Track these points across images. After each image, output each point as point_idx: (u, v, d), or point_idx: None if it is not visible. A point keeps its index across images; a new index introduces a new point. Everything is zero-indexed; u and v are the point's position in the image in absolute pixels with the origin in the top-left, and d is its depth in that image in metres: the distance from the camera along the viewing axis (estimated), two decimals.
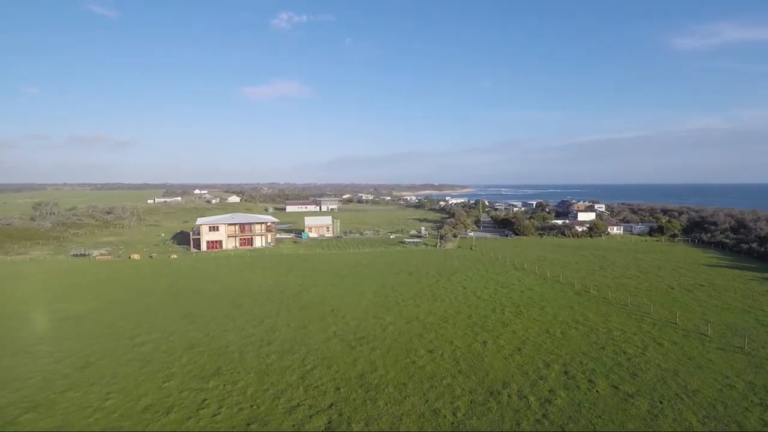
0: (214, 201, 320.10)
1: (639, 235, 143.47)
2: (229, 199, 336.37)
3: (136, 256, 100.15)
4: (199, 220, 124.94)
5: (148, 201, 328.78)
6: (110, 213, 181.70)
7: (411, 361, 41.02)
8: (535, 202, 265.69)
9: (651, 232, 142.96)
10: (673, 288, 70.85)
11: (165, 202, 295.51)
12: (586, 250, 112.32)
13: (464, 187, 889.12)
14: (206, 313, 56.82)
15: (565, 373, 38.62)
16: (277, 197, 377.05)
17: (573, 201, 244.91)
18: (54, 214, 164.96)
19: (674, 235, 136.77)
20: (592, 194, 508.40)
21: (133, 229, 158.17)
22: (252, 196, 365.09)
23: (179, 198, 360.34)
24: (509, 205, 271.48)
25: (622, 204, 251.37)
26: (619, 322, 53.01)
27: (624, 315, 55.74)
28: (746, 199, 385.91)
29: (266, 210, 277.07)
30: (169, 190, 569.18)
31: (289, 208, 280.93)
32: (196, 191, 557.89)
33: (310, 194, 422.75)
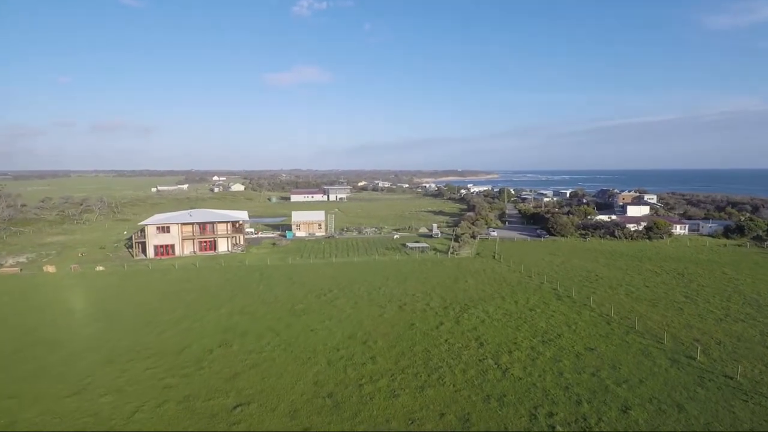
0: (216, 189, 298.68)
1: (711, 236, 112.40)
2: (232, 187, 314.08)
3: (50, 269, 76.65)
4: (155, 217, 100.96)
5: (152, 189, 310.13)
6: (82, 204, 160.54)
7: None
8: (569, 191, 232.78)
9: (726, 233, 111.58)
10: None
11: (158, 191, 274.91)
12: (652, 261, 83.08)
13: (489, 173, 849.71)
14: None
15: None
16: (287, 185, 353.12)
17: (615, 191, 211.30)
18: (12, 207, 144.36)
19: (759, 237, 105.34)
20: (617, 180, 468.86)
21: (94, 226, 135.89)
22: (259, 185, 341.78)
23: (184, 186, 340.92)
24: (539, 194, 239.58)
25: (673, 194, 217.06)
26: None
27: None
28: None
29: (269, 200, 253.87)
30: (188, 176, 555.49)
31: (294, 198, 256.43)
32: (215, 178, 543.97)
33: (327, 181, 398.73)
